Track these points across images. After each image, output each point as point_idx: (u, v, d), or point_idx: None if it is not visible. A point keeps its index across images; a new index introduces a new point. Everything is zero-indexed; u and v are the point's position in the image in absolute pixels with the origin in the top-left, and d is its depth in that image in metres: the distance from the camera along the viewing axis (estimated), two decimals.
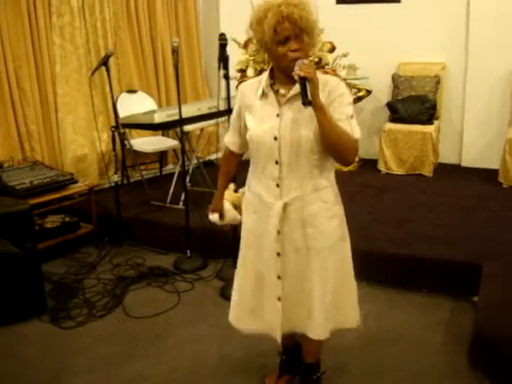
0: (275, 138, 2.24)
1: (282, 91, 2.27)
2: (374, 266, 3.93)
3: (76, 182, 4.60)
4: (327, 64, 3.50)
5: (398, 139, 5.77)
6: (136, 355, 3.21)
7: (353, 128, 2.21)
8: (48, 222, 4.50)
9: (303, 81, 2.05)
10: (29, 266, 3.56)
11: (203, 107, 4.96)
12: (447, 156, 6.20)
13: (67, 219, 4.60)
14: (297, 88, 2.17)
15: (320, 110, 2.09)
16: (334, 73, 3.59)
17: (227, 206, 2.67)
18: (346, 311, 2.55)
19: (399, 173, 5.83)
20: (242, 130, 2.43)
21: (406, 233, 4.24)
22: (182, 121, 4.27)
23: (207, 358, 3.17)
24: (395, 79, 6.14)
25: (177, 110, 4.26)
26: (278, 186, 2.31)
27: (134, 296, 3.93)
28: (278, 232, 2.35)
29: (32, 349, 3.30)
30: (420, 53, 6.09)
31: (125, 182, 5.30)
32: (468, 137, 6.10)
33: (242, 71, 4.28)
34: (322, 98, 2.13)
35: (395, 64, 6.25)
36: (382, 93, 6.31)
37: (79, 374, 3.04)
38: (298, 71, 2.07)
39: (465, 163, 6.16)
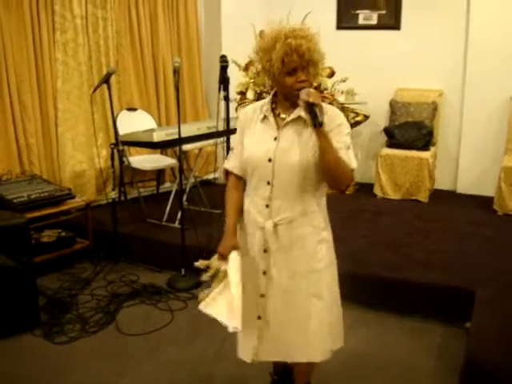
0: (269, 160, 2.27)
1: (283, 115, 2.31)
2: (367, 290, 3.95)
3: (73, 197, 4.62)
4: (326, 89, 3.55)
5: (394, 164, 5.81)
6: (128, 372, 3.21)
7: (350, 158, 2.24)
8: (44, 237, 4.51)
9: (311, 106, 2.09)
10: (24, 279, 3.57)
11: (202, 127, 5.00)
12: (443, 182, 6.24)
13: (63, 234, 4.62)
14: (297, 113, 2.24)
15: (324, 135, 2.14)
16: (333, 97, 3.63)
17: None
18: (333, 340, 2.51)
19: (395, 198, 5.85)
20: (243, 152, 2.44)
21: (401, 257, 4.26)
22: (181, 140, 4.30)
23: (199, 377, 3.16)
24: (393, 105, 6.20)
25: (176, 129, 4.29)
26: (267, 206, 2.33)
27: (128, 313, 3.93)
28: (265, 251, 2.37)
29: (24, 363, 3.30)
30: (418, 79, 6.16)
31: (122, 198, 5.31)
32: (464, 164, 6.15)
33: (242, 93, 4.33)
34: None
35: (393, 90, 6.31)
36: (380, 118, 6.36)
37: None
38: (305, 97, 2.11)
39: (460, 190, 6.20)
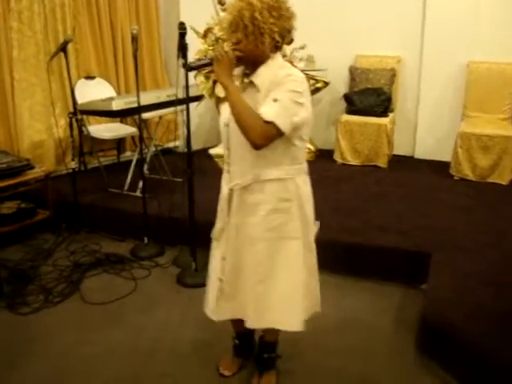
0: (226, 125, 2.37)
1: (246, 80, 2.37)
2: (327, 254, 4.00)
3: (33, 167, 4.57)
4: (285, 55, 3.55)
5: (353, 131, 5.87)
6: (92, 341, 3.23)
7: (269, 110, 2.20)
8: (4, 208, 4.46)
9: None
10: None
11: (162, 95, 4.97)
12: (401, 148, 6.34)
13: (23, 205, 4.57)
14: (249, 79, 2.33)
15: (224, 86, 2.25)
16: (292, 64, 3.63)
17: None
18: (280, 311, 2.52)
19: (355, 164, 5.93)
20: None
21: (359, 222, 4.34)
22: (141, 108, 4.28)
23: (163, 343, 3.21)
24: (352, 71, 6.24)
25: (135, 98, 4.27)
26: (228, 172, 2.44)
27: (91, 283, 3.94)
28: (227, 214, 2.47)
29: None
30: (377, 46, 6.20)
31: (82, 168, 5.28)
32: (422, 130, 6.25)
33: None
34: (270, 84, 2.23)
35: (352, 56, 6.35)
36: (340, 84, 6.40)
37: (35, 360, 3.06)
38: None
39: (418, 155, 6.31)
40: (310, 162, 6.03)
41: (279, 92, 2.21)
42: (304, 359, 3.06)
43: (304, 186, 2.49)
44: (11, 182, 4.40)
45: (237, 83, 2.36)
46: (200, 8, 4.88)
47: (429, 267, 3.59)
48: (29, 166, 4.54)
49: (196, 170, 3.81)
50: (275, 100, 2.20)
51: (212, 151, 5.54)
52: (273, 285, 2.45)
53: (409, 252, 3.86)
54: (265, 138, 2.21)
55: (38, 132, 5.29)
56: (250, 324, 2.55)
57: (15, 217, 4.47)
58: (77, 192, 4.66)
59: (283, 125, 2.20)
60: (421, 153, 6.29)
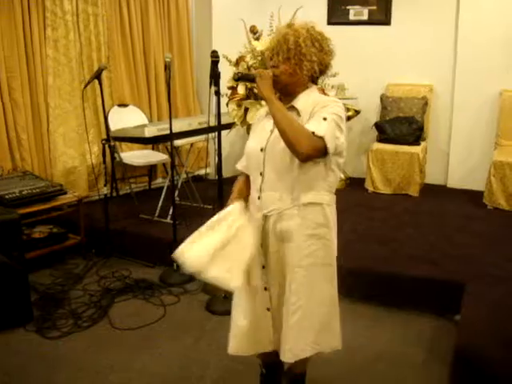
0: (261, 150, 2.33)
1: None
2: (358, 283, 3.98)
3: (65, 193, 4.62)
4: (316, 84, 3.56)
5: (385, 159, 5.84)
6: (120, 367, 3.22)
7: (319, 125, 2.19)
8: (36, 232, 4.51)
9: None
10: (15, 275, 3.58)
11: (194, 122, 5.01)
12: (434, 176, 6.27)
13: (55, 230, 4.62)
14: (289, 104, 2.32)
15: (268, 100, 2.25)
16: (323, 92, 3.64)
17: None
18: (320, 337, 2.48)
19: (386, 192, 5.89)
20: None
21: (391, 251, 4.29)
22: (173, 135, 4.32)
23: (191, 371, 3.18)
24: (383, 100, 6.23)
25: (167, 125, 4.31)
26: (259, 198, 2.38)
27: (120, 308, 3.94)
28: (261, 245, 2.40)
29: (17, 358, 3.31)
30: (408, 75, 6.20)
31: (114, 194, 5.32)
32: (454, 158, 6.19)
33: (233, 88, 4.34)
34: (310, 109, 2.25)
35: (384, 85, 6.35)
36: (371, 113, 6.40)
37: None
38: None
39: (451, 184, 6.24)
40: (340, 190, 6.06)
41: (326, 113, 2.22)
42: None
43: (335, 215, 2.48)
44: (44, 206, 4.45)
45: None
46: (232, 36, 4.92)
47: (462, 298, 3.51)
48: (62, 192, 4.59)
49: (226, 198, 3.80)
50: (324, 119, 2.20)
51: None
52: (309, 311, 2.41)
53: (441, 282, 3.80)
54: (314, 149, 2.18)
55: (72, 158, 5.36)
56: (287, 357, 2.45)
57: (47, 241, 4.51)
58: (108, 218, 4.69)
59: (330, 143, 2.19)
60: (453, 182, 6.21)
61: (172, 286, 4.23)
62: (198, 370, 3.19)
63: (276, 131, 2.26)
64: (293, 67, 2.29)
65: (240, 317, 2.53)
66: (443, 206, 5.53)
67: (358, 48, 6.22)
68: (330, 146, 2.19)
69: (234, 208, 2.42)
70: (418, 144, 5.90)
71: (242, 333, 2.53)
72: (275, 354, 2.61)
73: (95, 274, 4.45)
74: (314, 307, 2.42)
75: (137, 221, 5.06)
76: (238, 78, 2.45)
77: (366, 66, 6.20)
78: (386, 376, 3.13)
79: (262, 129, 2.40)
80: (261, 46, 3.59)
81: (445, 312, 3.72)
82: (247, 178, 2.55)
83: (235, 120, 4.77)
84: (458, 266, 3.97)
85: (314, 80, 2.39)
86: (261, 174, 2.35)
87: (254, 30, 3.82)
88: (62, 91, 5.26)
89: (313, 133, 2.16)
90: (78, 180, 5.40)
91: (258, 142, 2.37)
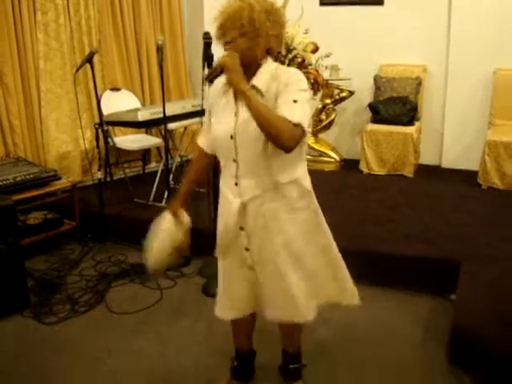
0: (231, 137, 2.25)
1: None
2: (354, 263, 3.96)
3: (59, 178, 4.60)
4: (310, 64, 3.54)
5: (379, 140, 5.82)
6: (118, 351, 3.23)
7: (293, 112, 2.14)
8: (31, 219, 4.49)
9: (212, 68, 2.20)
10: (11, 261, 3.57)
11: (187, 105, 4.99)
12: (428, 157, 6.27)
13: (50, 216, 4.60)
14: (250, 84, 2.22)
15: (241, 93, 2.14)
16: (318, 73, 3.63)
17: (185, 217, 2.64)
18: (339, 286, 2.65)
19: (381, 173, 5.88)
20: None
21: (387, 231, 4.30)
22: (166, 119, 4.29)
23: (189, 353, 3.20)
24: (377, 80, 6.21)
25: (160, 108, 4.28)
26: (236, 184, 2.33)
27: (117, 292, 3.95)
28: (241, 228, 2.39)
29: (14, 344, 3.31)
30: (401, 55, 6.17)
31: (108, 179, 5.31)
32: (448, 138, 6.18)
33: None
34: (273, 87, 2.20)
35: (377, 65, 6.31)
36: (364, 94, 6.37)
37: (61, 369, 3.06)
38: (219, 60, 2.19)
39: (445, 164, 6.24)
40: (335, 172, 6.07)
41: (293, 92, 2.17)
42: (332, 369, 3.03)
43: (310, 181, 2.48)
44: (38, 192, 4.43)
45: (231, 93, 2.29)
46: None
47: (458, 277, 3.53)
48: (55, 177, 4.57)
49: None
50: (295, 101, 2.15)
51: None
52: (313, 276, 2.50)
53: (437, 261, 3.81)
54: (296, 140, 2.15)
55: (65, 143, 5.34)
56: (300, 318, 2.53)
57: (42, 227, 4.49)
58: (103, 202, 4.68)
59: (306, 125, 2.16)
60: (448, 162, 6.21)
61: (168, 270, 4.22)
62: (196, 352, 3.20)
63: (242, 114, 2.22)
64: (248, 44, 2.20)
65: (222, 286, 2.63)
66: (438, 186, 5.53)
67: (351, 28, 6.18)
68: (306, 128, 2.17)
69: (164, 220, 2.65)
70: (412, 124, 5.88)
71: (223, 300, 2.64)
72: (250, 343, 2.81)
73: (91, 259, 4.45)
74: (317, 271, 2.52)
75: (131, 205, 5.04)
76: (210, 79, 2.26)
77: (359, 46, 6.15)
78: (382, 355, 3.14)
79: (225, 112, 2.31)
80: None
81: (441, 291, 3.73)
82: (203, 154, 2.57)
83: None
84: (454, 245, 3.98)
85: (269, 53, 2.28)
86: (234, 160, 2.29)
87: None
88: (54, 76, 5.22)
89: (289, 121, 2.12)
90: (71, 165, 5.38)
91: (225, 129, 2.28)
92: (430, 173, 6.03)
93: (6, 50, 4.82)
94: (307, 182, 2.42)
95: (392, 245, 4.04)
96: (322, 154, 6.16)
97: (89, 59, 4.47)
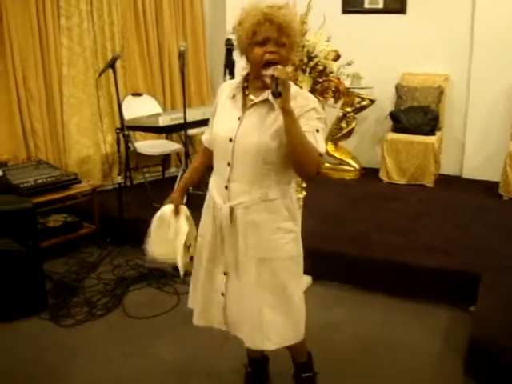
0: (230, 140, 2.24)
1: (252, 96, 2.27)
2: (373, 274, 3.97)
3: (79, 182, 4.63)
4: (331, 72, 3.53)
5: (400, 149, 5.80)
6: (134, 355, 3.24)
7: (318, 142, 2.16)
8: (51, 221, 4.53)
9: (275, 80, 2.01)
10: (30, 263, 3.60)
11: (207, 111, 4.98)
12: (448, 167, 6.22)
13: (70, 219, 4.63)
14: (265, 95, 2.18)
15: (289, 115, 2.05)
16: (339, 81, 3.61)
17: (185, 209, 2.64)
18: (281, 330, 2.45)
19: (400, 182, 5.85)
20: None
21: (406, 241, 4.27)
22: (187, 124, 4.31)
23: (206, 358, 3.19)
24: (398, 89, 6.18)
25: (181, 114, 4.30)
26: (226, 188, 2.30)
27: (134, 297, 3.96)
28: (222, 231, 2.37)
29: (31, 346, 3.33)
30: (423, 64, 6.13)
31: (128, 183, 5.33)
32: (470, 149, 6.13)
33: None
34: (292, 107, 2.10)
35: (399, 74, 6.28)
36: (386, 103, 6.34)
37: (77, 372, 3.07)
38: (271, 72, 2.05)
39: (466, 175, 6.18)
40: (355, 181, 6.04)
41: (315, 121, 2.17)
42: (348, 377, 3.01)
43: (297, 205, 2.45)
44: (58, 195, 4.47)
45: (239, 98, 2.29)
46: None
47: (476, 288, 3.49)
48: (76, 181, 4.60)
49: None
50: (318, 131, 2.17)
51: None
52: (283, 304, 2.41)
53: (456, 273, 3.77)
54: (317, 168, 2.18)
55: (86, 147, 5.38)
56: (250, 344, 2.47)
57: (61, 230, 4.52)
58: (122, 207, 4.70)
59: (323, 152, 2.20)
60: (469, 172, 6.16)
61: (186, 275, 4.22)
62: (212, 357, 3.19)
63: (246, 121, 2.23)
64: (287, 55, 2.16)
65: (195, 294, 2.64)
66: (458, 196, 5.49)
67: (373, 37, 6.17)
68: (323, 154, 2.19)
69: (164, 212, 2.68)
70: (434, 134, 5.85)
71: (197, 308, 2.62)
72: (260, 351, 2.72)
73: (109, 263, 4.47)
74: (286, 302, 2.41)
75: (151, 210, 4.99)
76: (279, 93, 2.00)
77: (381, 55, 6.14)
78: (400, 365, 3.11)
79: (229, 115, 2.31)
80: None
81: (459, 303, 3.69)
82: (207, 151, 2.56)
83: None
84: (473, 256, 3.95)
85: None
86: (229, 164, 2.27)
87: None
88: (76, 80, 5.27)
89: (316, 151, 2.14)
90: (92, 169, 5.42)
91: (225, 131, 2.28)
92: (451, 183, 5.98)
93: (30, 54, 4.87)
94: (296, 204, 2.39)
95: (411, 255, 4.01)
96: (342, 162, 6.15)
97: (111, 64, 4.51)
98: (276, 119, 2.17)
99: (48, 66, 5.05)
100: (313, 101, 2.25)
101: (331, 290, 3.99)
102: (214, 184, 2.41)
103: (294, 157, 2.13)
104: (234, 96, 2.32)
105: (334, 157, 6.14)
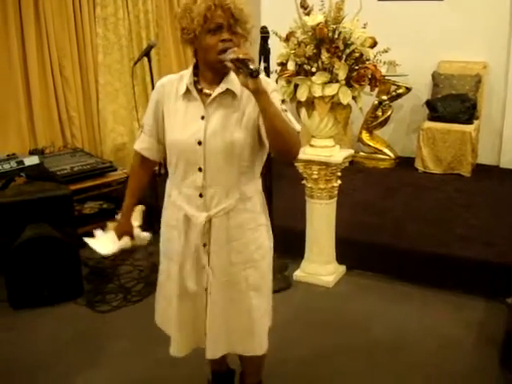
0: (199, 143, 2.03)
1: (207, 91, 2.06)
2: (408, 264, 3.93)
3: (115, 169, 4.68)
4: (368, 59, 3.49)
5: (436, 138, 5.71)
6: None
7: (291, 120, 2.00)
8: (86, 208, 4.58)
9: (241, 61, 1.83)
10: (68, 250, 3.65)
11: None
12: (486, 156, 6.12)
13: (105, 206, 4.68)
14: (224, 86, 2.02)
15: (264, 93, 1.86)
16: (376, 68, 3.57)
17: (137, 230, 2.52)
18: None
19: (436, 172, 5.77)
20: (160, 133, 2.20)
21: (442, 232, 4.21)
22: None
23: None
24: (435, 77, 6.08)
25: None
26: (201, 196, 2.10)
27: None
28: (204, 245, 2.17)
29: (68, 331, 3.39)
30: (461, 51, 6.02)
31: (162, 171, 5.35)
32: (508, 138, 6.01)
33: (283, 64, 4.28)
34: (246, 93, 1.96)
35: (436, 62, 6.18)
36: (422, 91, 6.25)
37: (113, 357, 3.13)
38: (233, 55, 1.86)
39: (504, 164, 6.07)
40: (390, 170, 5.96)
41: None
42: (382, 368, 2.99)
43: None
44: (94, 182, 4.53)
45: (195, 95, 2.07)
46: (281, 12, 4.86)
47: None
48: (111, 168, 4.65)
49: (275, 177, 3.80)
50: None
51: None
52: (268, 302, 2.34)
53: (493, 264, 3.72)
54: (300, 148, 2.04)
55: (121, 135, 5.43)
56: (255, 351, 2.33)
57: (97, 217, 4.57)
58: (157, 194, 4.71)
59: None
60: (507, 162, 6.04)
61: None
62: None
63: (212, 120, 2.04)
64: (240, 42, 1.99)
65: (176, 325, 2.45)
66: (496, 186, 5.40)
67: (410, 24, 6.07)
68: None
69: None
70: (471, 123, 5.74)
71: (179, 338, 2.46)
72: (225, 362, 2.62)
73: (144, 250, 4.49)
74: (269, 297, 2.34)
75: None
76: (257, 71, 1.82)
77: (418, 42, 6.04)
78: (435, 356, 3.09)
79: (189, 115, 2.07)
80: (311, 21, 3.52)
81: (496, 294, 3.64)
82: (144, 161, 2.33)
83: (285, 97, 4.72)
84: (511, 247, 3.88)
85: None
86: (200, 169, 2.06)
87: (304, 5, 3.75)
88: (112, 69, 5.31)
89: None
90: (126, 157, 5.45)
91: (190, 134, 2.05)
92: (488, 173, 5.88)
93: (66, 43, 4.92)
94: (263, 196, 2.28)
95: (447, 246, 3.96)
96: (377, 150, 6.08)
97: (147, 53, 4.51)
98: (243, 109, 2.03)
99: (84, 55, 5.10)
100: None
101: (365, 280, 3.97)
102: (180, 196, 2.17)
103: (278, 140, 1.95)
104: (186, 92, 2.08)
105: (369, 145, 6.09)
